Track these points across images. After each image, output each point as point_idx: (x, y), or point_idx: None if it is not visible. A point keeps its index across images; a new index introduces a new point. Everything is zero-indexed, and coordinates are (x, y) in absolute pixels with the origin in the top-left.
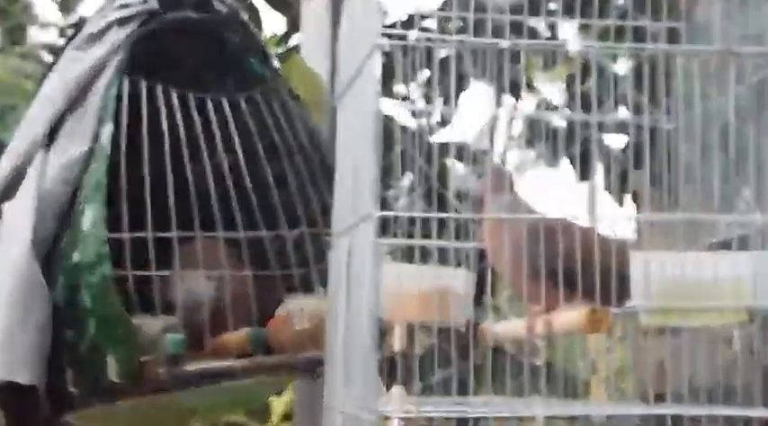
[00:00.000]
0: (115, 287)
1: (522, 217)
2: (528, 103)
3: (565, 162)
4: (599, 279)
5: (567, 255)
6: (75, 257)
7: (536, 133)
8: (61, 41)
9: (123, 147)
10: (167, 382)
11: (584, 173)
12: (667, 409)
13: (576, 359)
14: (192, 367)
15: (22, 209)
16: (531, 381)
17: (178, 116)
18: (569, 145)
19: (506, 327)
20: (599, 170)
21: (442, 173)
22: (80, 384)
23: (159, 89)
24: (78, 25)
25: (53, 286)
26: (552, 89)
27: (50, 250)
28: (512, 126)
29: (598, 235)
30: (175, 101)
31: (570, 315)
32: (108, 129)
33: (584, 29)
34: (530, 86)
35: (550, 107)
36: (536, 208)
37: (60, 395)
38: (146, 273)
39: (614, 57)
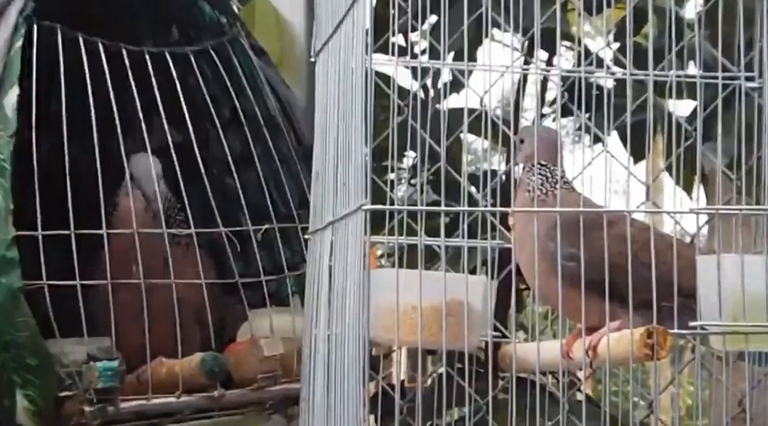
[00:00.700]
0: (26, 302)
1: (557, 211)
2: (566, 59)
3: (614, 135)
4: (656, 289)
5: (615, 258)
6: None
7: (576, 97)
8: None
9: (35, 119)
10: (95, 425)
11: (639, 150)
12: None
13: (628, 394)
14: (129, 404)
15: None
16: (568, 422)
17: (108, 77)
18: (620, 112)
19: (537, 351)
20: (658, 145)
21: (454, 151)
22: None
23: (81, 41)
24: None
25: None
26: (598, 40)
27: None
28: (545, 88)
29: (656, 232)
30: (104, 56)
31: (620, 337)
32: (13, 95)
33: None
34: (568, 37)
35: (595, 63)
36: (579, 197)
37: None
38: (68, 283)
39: None
